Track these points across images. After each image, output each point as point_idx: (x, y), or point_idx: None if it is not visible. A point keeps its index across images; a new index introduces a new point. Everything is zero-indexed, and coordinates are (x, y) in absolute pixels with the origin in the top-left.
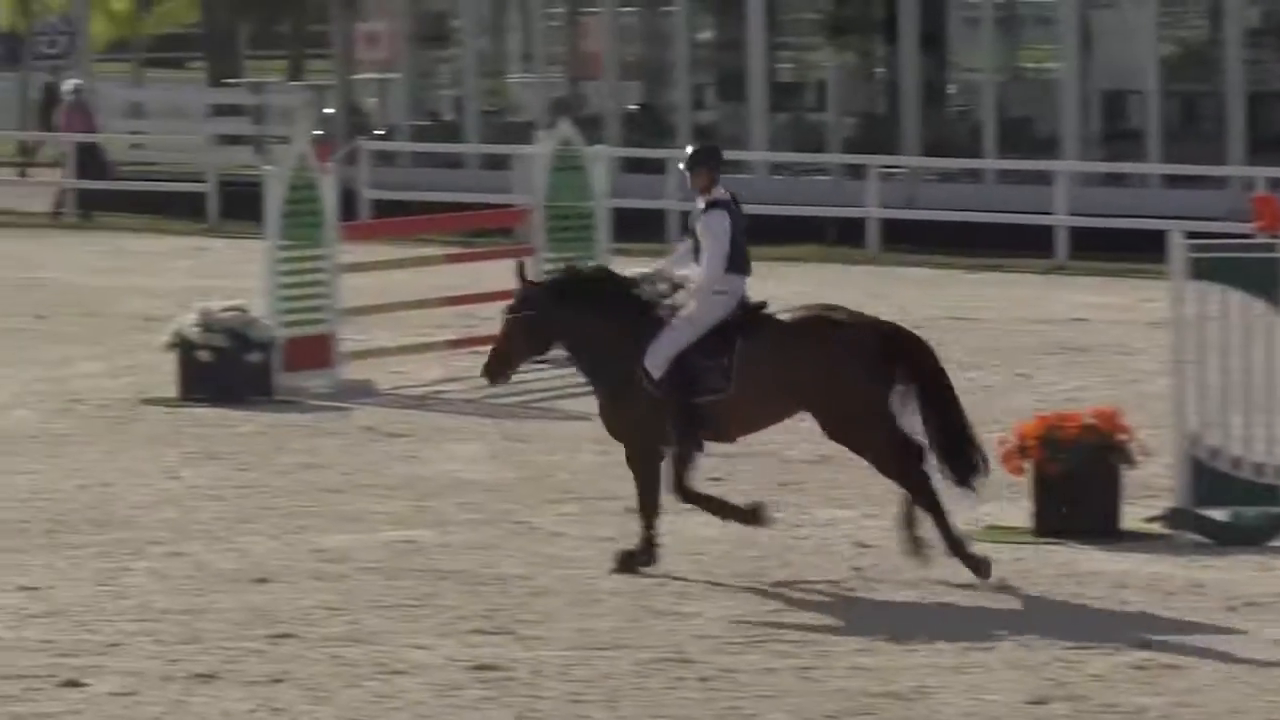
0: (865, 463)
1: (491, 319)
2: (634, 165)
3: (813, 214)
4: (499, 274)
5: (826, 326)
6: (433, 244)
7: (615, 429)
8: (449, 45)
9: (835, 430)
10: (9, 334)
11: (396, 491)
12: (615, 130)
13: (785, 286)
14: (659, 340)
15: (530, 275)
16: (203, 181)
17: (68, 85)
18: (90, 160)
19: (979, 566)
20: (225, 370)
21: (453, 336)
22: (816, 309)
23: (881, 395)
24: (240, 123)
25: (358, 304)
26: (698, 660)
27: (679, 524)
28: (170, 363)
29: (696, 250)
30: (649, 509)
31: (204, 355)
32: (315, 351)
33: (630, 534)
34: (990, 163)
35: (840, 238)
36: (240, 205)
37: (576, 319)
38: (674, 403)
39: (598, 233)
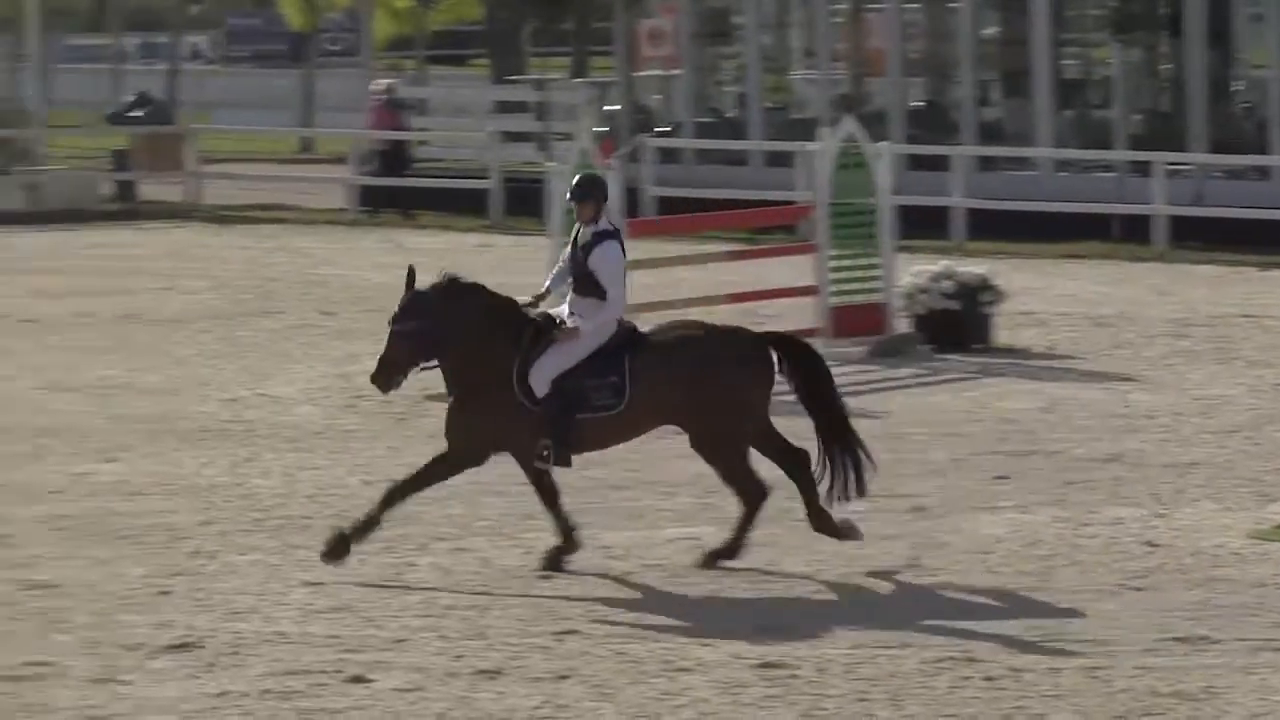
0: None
1: (775, 316)
2: (918, 162)
3: (1098, 211)
4: (782, 271)
5: (705, 341)
6: (716, 241)
7: (456, 433)
8: (732, 42)
9: (702, 449)
10: (296, 330)
11: (680, 488)
12: (899, 127)
13: (1072, 283)
14: (543, 360)
15: (416, 283)
16: (486, 178)
17: (381, 84)
18: (395, 158)
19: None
20: None
21: None
22: (689, 325)
23: (752, 410)
24: (523, 120)
25: (642, 301)
26: (983, 659)
27: (966, 524)
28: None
29: (581, 276)
30: (393, 503)
31: None
32: None
33: (916, 536)
34: (1278, 160)
35: (1125, 235)
36: (523, 202)
37: (461, 330)
38: (555, 419)
39: (881, 230)
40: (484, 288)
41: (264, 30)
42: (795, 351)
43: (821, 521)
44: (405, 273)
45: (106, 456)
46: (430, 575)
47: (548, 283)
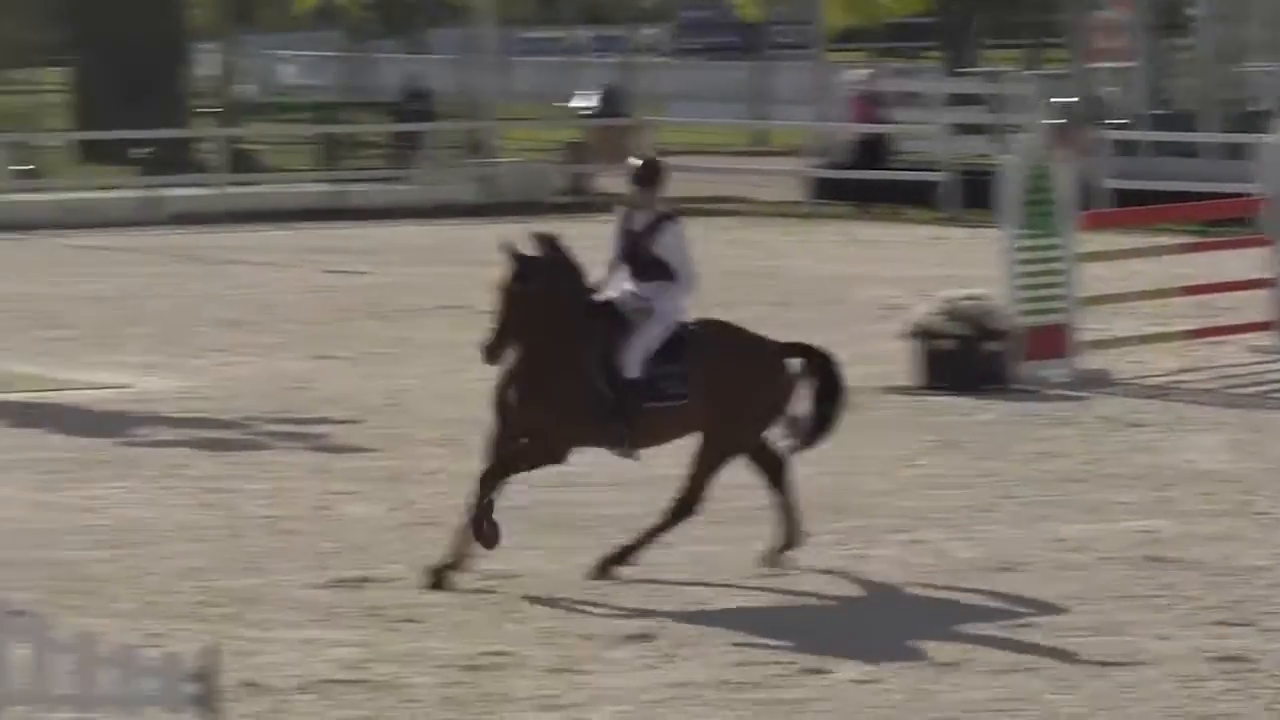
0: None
1: (1229, 309)
2: None
3: None
4: (1237, 264)
5: (751, 345)
6: (1171, 233)
7: (540, 420)
8: (1186, 34)
9: (717, 438)
10: (750, 322)
11: (1137, 482)
12: None
13: None
14: (634, 344)
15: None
16: (940, 171)
17: (859, 75)
18: (873, 150)
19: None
20: (964, 359)
21: (1191, 327)
22: (723, 324)
23: (772, 425)
24: (977, 112)
25: (1096, 293)
26: None
27: None
28: (908, 351)
29: (646, 260)
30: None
31: (944, 344)
32: (1052, 341)
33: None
34: None
35: None
36: (978, 194)
37: (561, 304)
38: (631, 407)
39: None
40: (580, 268)
41: (716, 23)
42: (818, 363)
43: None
44: (509, 249)
45: None
46: (886, 567)
47: (605, 268)
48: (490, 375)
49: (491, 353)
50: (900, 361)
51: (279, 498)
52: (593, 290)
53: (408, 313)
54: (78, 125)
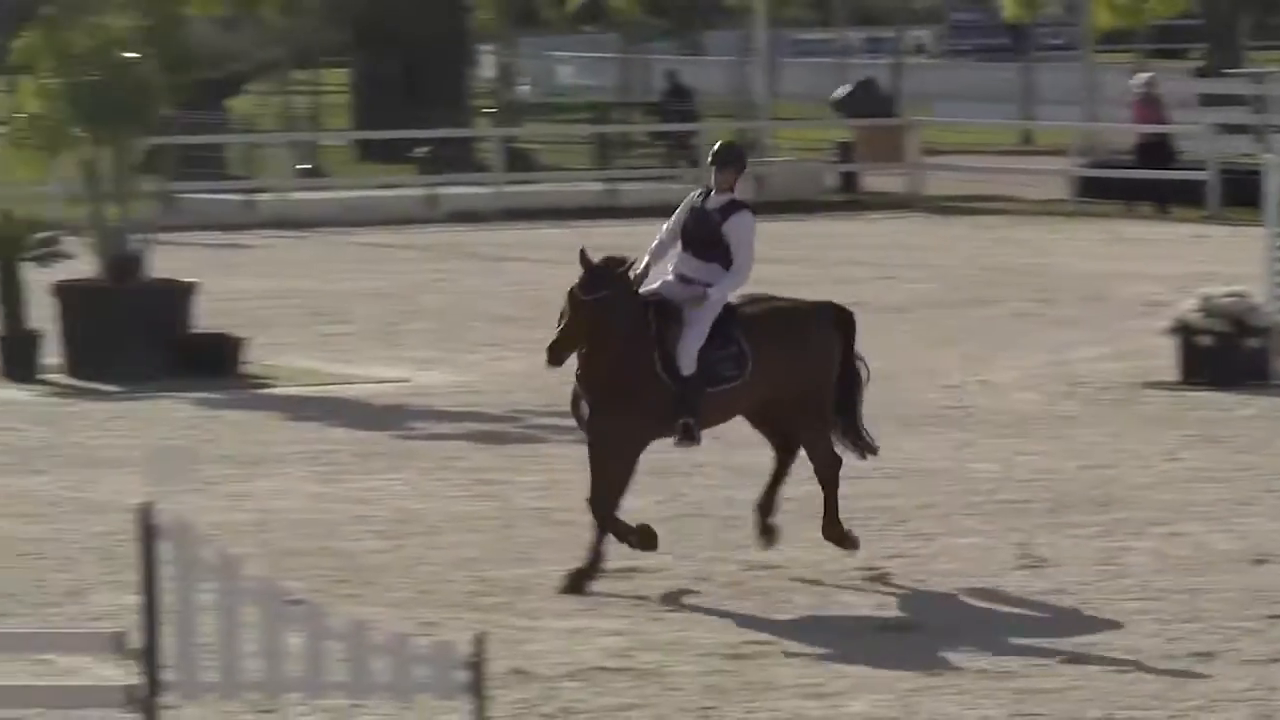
0: None
1: None
2: None
3: None
4: None
5: (795, 313)
6: None
7: (618, 425)
8: None
9: (800, 414)
10: (1016, 318)
11: None
12: None
13: None
14: (686, 335)
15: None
16: (1203, 170)
17: (1140, 78)
18: (1156, 152)
19: (845, 541)
20: (1224, 355)
21: None
22: (765, 298)
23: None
24: (1240, 112)
25: None
26: None
27: None
28: (1170, 347)
29: (711, 240)
30: (614, 512)
31: (1204, 340)
32: None
33: None
34: None
35: None
36: (1240, 193)
37: (623, 314)
38: (694, 395)
39: None
40: (628, 276)
41: (985, 24)
42: (843, 319)
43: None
44: (581, 255)
45: None
46: (1146, 559)
47: (647, 258)
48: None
49: (556, 355)
50: (1162, 357)
51: (551, 490)
52: (641, 293)
53: None
54: (358, 125)
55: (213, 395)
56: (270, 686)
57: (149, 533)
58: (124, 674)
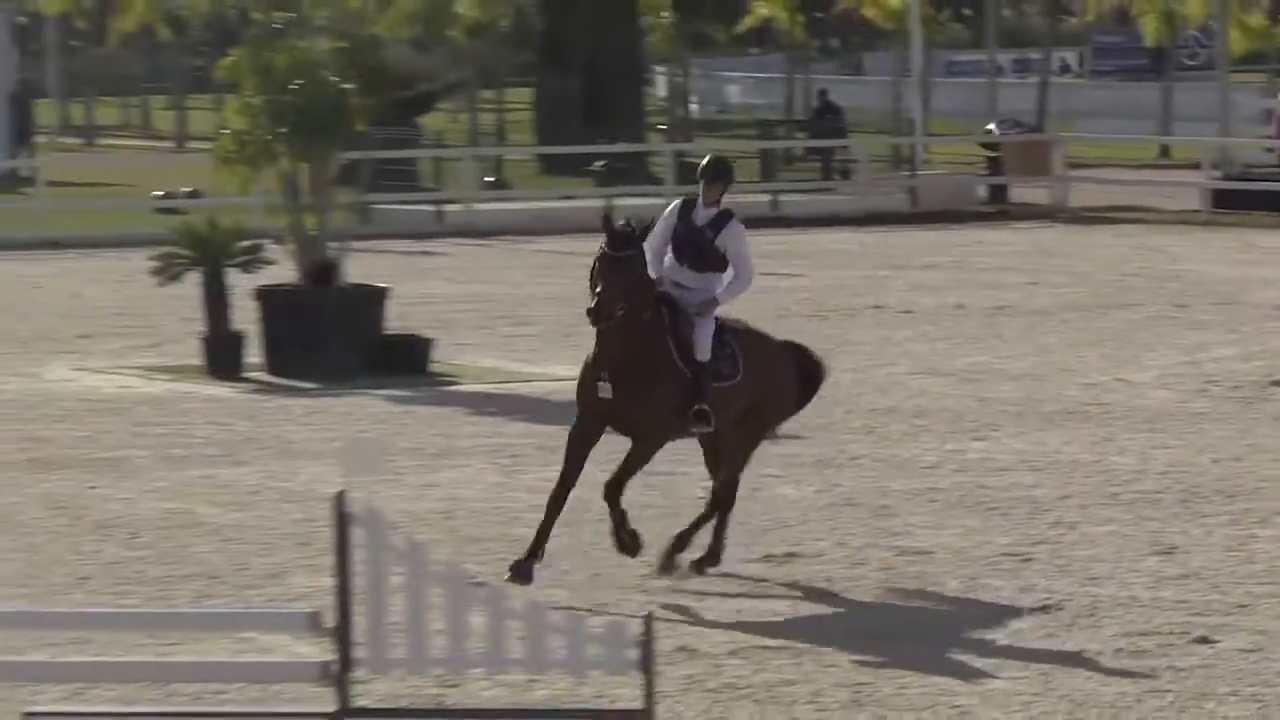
0: None
1: None
2: None
3: None
4: None
5: (776, 342)
6: None
7: (653, 418)
8: None
9: (744, 429)
10: (1151, 321)
11: None
12: None
13: None
14: (699, 328)
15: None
16: None
17: None
18: None
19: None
20: None
21: None
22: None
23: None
24: None
25: None
26: None
27: None
28: None
29: (708, 253)
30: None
31: None
32: None
33: None
34: None
35: None
36: None
37: (647, 279)
38: (707, 384)
39: None
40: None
41: (1127, 46)
42: (811, 369)
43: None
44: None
45: (975, 435)
46: (1272, 546)
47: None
48: None
49: (603, 311)
50: None
51: None
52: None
53: (841, 312)
54: (540, 140)
55: (403, 392)
56: (454, 663)
57: (343, 520)
58: (319, 651)
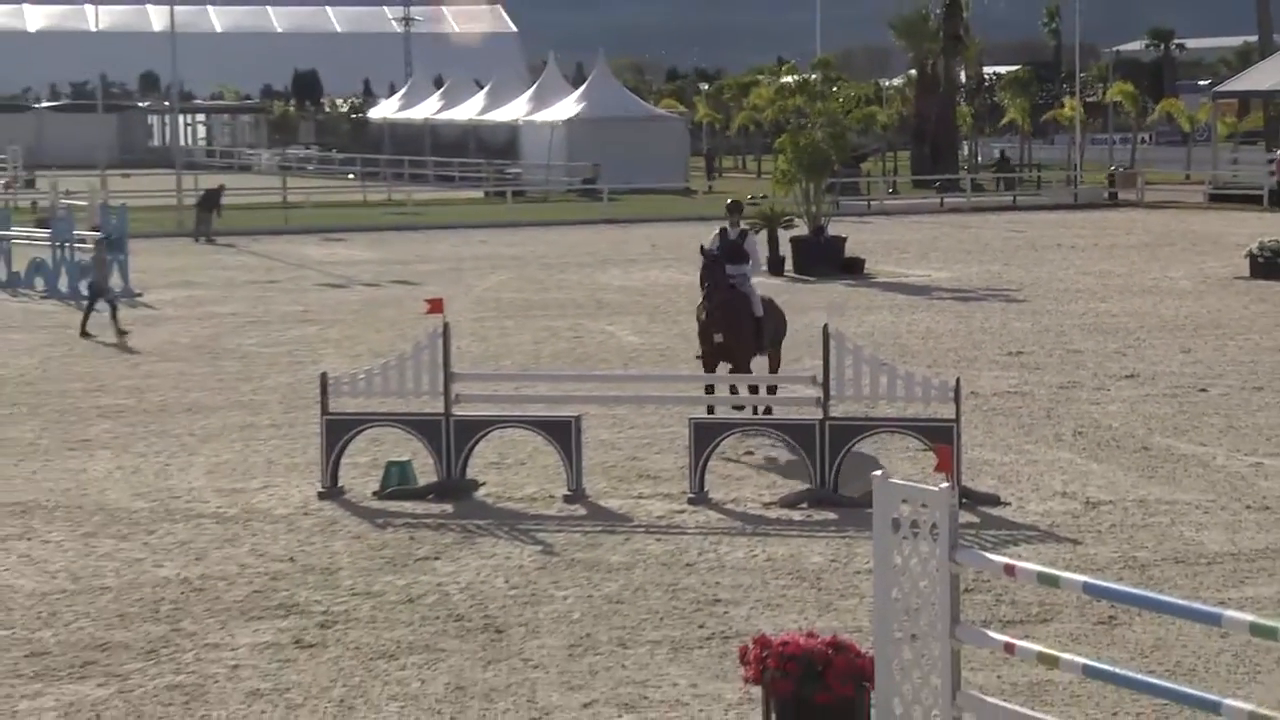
0: None
1: None
2: None
3: None
4: None
5: (772, 302)
6: None
7: (736, 351)
8: None
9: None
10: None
11: None
12: None
13: None
14: (752, 294)
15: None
16: None
17: None
18: None
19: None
20: None
21: None
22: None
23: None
24: None
25: None
26: None
27: None
28: None
29: (740, 254)
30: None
31: None
32: None
33: None
34: None
35: None
36: None
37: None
38: (764, 335)
39: None
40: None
41: None
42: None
43: None
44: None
45: None
46: None
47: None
48: None
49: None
50: None
51: None
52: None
53: None
54: (913, 172)
55: (852, 282)
56: None
57: (826, 336)
58: None
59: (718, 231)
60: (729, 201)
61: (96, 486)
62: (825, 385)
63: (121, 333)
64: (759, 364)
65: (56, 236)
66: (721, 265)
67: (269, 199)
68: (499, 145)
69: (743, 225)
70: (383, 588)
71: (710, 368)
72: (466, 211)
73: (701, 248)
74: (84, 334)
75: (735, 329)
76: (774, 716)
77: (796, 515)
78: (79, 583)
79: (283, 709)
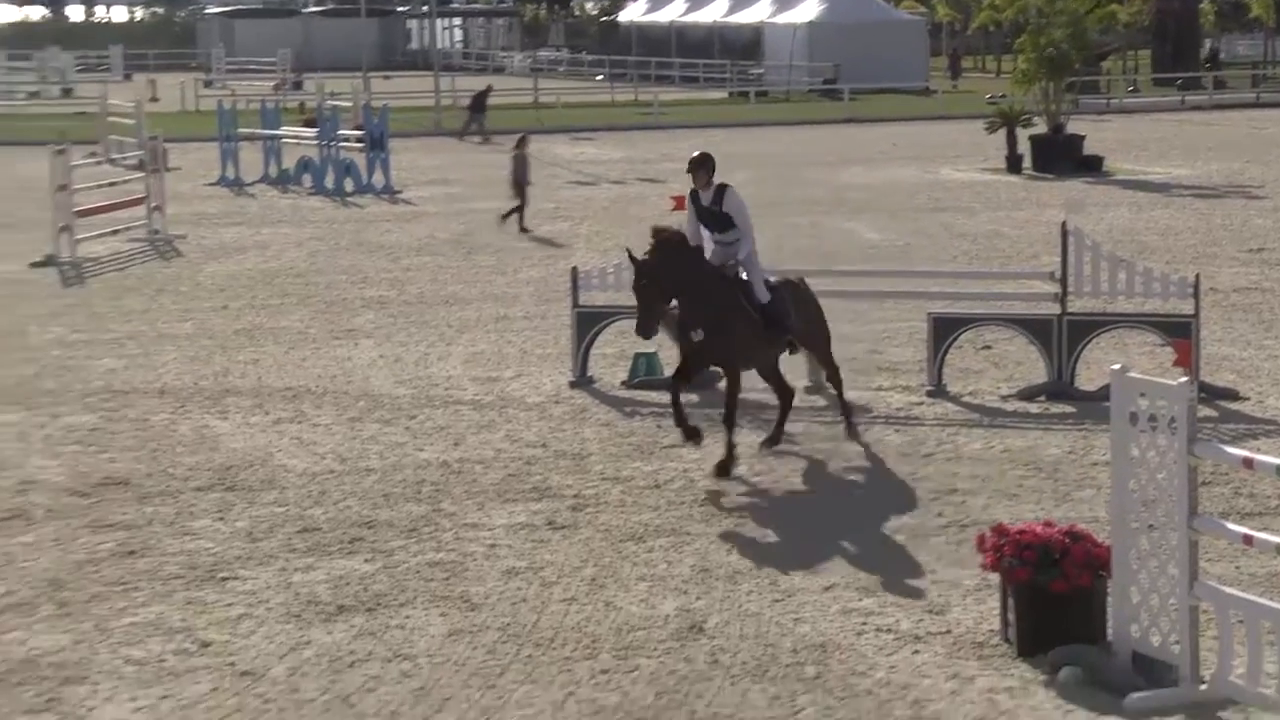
0: None
1: None
2: None
3: None
4: None
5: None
6: None
7: (728, 349)
8: None
9: (819, 350)
10: None
11: None
12: None
13: None
14: (751, 276)
15: (637, 255)
16: None
17: None
18: None
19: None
20: None
21: None
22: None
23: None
24: None
25: None
26: None
27: None
28: None
29: (718, 220)
30: (734, 419)
31: None
32: None
33: None
34: None
35: None
36: None
37: (686, 278)
38: (775, 321)
39: None
40: (684, 245)
41: None
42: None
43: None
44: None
45: None
46: None
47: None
48: None
49: (644, 329)
50: None
51: None
52: (698, 258)
53: None
54: (1153, 71)
55: (1092, 180)
56: None
57: (1065, 233)
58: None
59: (688, 196)
60: (693, 155)
61: (361, 374)
62: (1064, 281)
63: (509, 219)
64: (789, 366)
65: (323, 136)
66: (695, 250)
67: (521, 99)
68: (742, 46)
69: (715, 181)
70: (631, 473)
71: (685, 374)
72: (710, 111)
73: (629, 253)
74: (523, 229)
75: (721, 324)
76: (1011, 603)
77: (1034, 408)
78: (346, 464)
79: (537, 586)
